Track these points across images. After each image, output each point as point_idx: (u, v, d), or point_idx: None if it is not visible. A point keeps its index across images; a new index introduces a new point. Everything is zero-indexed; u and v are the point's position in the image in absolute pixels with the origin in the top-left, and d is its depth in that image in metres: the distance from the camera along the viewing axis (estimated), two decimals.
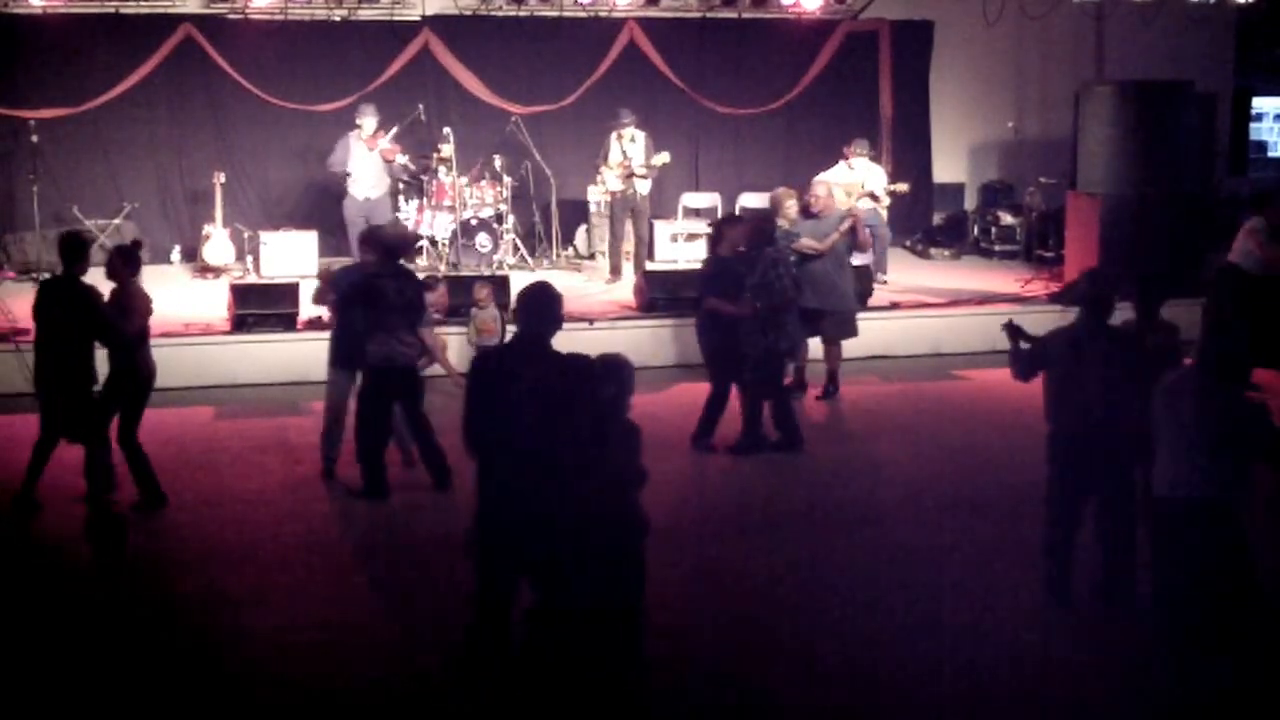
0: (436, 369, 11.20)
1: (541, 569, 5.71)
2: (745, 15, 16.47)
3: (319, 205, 15.72)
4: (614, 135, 14.40)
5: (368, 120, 13.91)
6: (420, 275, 10.51)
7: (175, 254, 15.52)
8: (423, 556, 7.71)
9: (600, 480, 5.57)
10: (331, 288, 8.97)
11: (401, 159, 14.19)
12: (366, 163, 13.93)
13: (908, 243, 16.65)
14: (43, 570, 7.49)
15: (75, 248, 8.27)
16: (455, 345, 11.55)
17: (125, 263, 8.30)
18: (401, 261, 9.07)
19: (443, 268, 13.56)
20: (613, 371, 5.66)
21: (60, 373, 8.03)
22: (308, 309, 11.14)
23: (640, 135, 14.42)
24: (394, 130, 14.18)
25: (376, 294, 8.48)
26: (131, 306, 8.16)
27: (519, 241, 14.87)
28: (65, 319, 8.02)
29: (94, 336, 8.11)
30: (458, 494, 8.70)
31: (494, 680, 5.94)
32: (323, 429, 9.01)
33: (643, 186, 14.46)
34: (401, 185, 14.52)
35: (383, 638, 6.67)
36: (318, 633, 6.79)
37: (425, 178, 14.48)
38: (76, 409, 8.06)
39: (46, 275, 14.14)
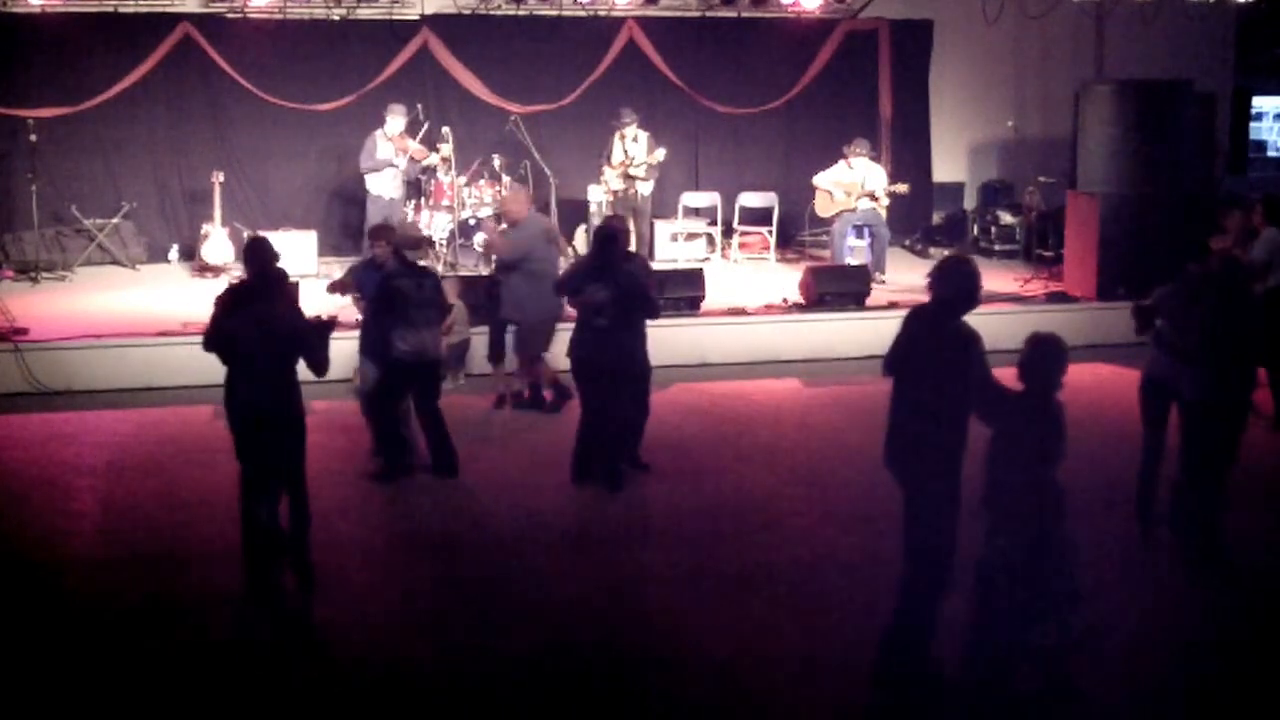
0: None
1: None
2: (745, 15, 16.47)
3: (318, 205, 15.76)
4: (616, 135, 14.44)
5: (396, 120, 13.91)
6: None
7: (174, 253, 15.54)
8: (423, 555, 7.71)
9: (1025, 453, 5.77)
10: (356, 285, 9.23)
11: (434, 158, 14.19)
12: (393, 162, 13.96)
13: (907, 242, 16.66)
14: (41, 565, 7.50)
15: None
16: None
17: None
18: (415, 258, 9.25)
19: (440, 267, 13.55)
20: (1044, 351, 5.82)
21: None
22: (307, 309, 11.12)
23: (643, 135, 14.46)
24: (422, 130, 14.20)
25: (397, 294, 8.71)
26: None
27: None
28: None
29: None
30: (459, 489, 8.75)
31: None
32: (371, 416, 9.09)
33: (645, 187, 14.51)
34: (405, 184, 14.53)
35: (383, 637, 6.66)
36: (318, 632, 6.80)
37: (424, 177, 14.48)
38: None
39: (47, 275, 14.24)
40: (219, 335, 7.15)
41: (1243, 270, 7.84)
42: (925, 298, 6.26)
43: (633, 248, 14.30)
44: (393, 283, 8.78)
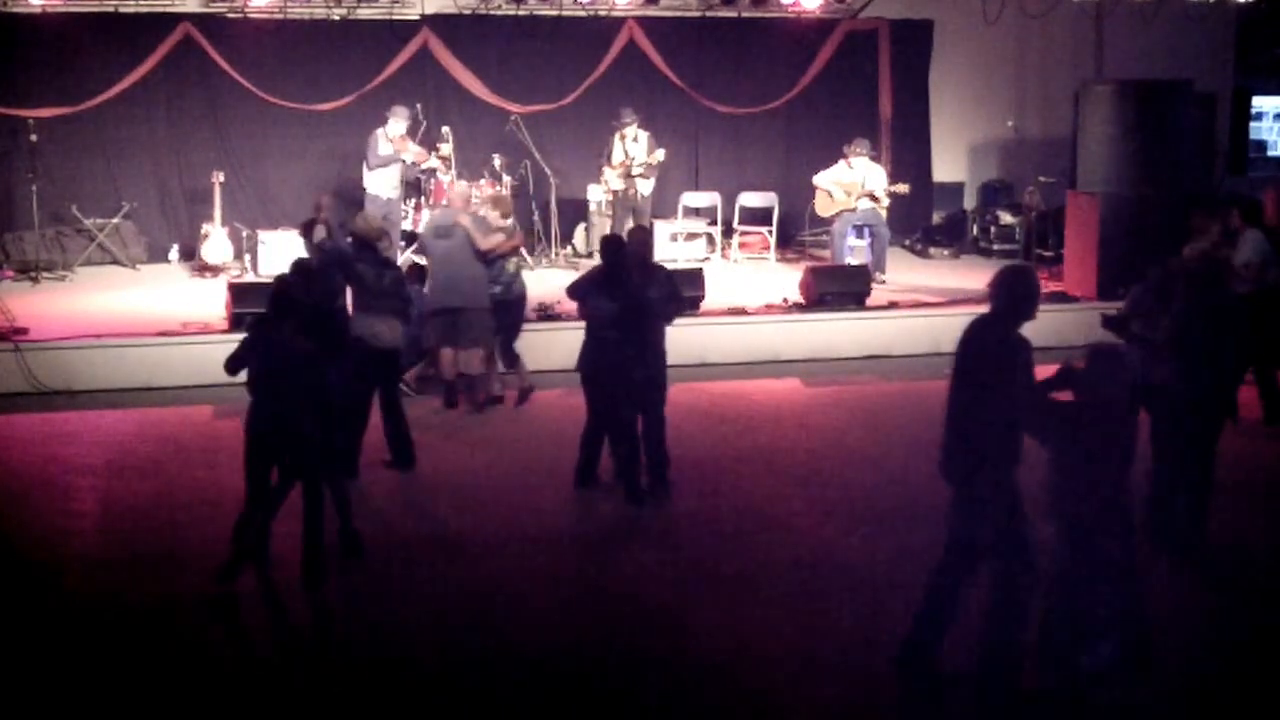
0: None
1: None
2: (745, 15, 16.46)
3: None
4: (617, 135, 14.45)
5: (399, 122, 13.92)
6: (405, 266, 10.59)
7: (174, 253, 15.53)
8: (423, 555, 7.70)
9: (1088, 465, 5.74)
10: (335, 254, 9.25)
11: (434, 161, 14.21)
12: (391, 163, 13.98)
13: (907, 242, 16.66)
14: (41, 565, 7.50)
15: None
16: None
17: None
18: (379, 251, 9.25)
19: None
20: (1103, 364, 5.77)
21: None
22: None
23: (643, 135, 14.46)
24: (420, 133, 14.21)
25: (356, 277, 8.78)
26: None
27: None
28: None
29: None
30: (458, 489, 8.75)
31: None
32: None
33: (644, 187, 14.49)
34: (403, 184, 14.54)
35: (383, 637, 6.66)
36: (319, 631, 6.79)
37: (424, 177, 14.49)
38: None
39: (47, 275, 14.23)
40: (236, 359, 7.43)
41: (1220, 266, 7.87)
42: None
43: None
44: (354, 266, 8.80)
